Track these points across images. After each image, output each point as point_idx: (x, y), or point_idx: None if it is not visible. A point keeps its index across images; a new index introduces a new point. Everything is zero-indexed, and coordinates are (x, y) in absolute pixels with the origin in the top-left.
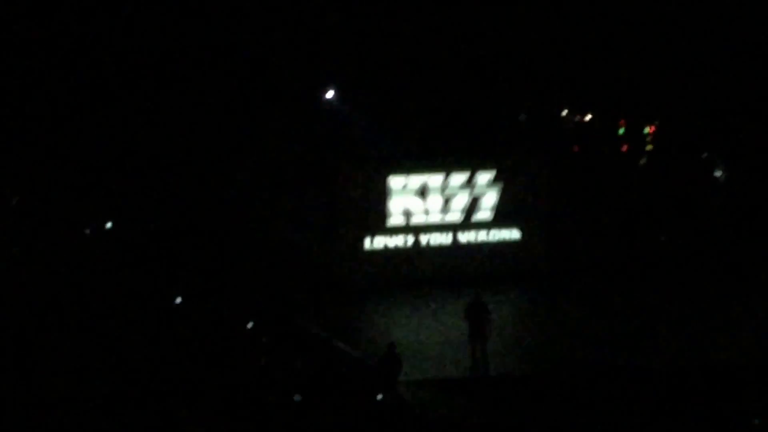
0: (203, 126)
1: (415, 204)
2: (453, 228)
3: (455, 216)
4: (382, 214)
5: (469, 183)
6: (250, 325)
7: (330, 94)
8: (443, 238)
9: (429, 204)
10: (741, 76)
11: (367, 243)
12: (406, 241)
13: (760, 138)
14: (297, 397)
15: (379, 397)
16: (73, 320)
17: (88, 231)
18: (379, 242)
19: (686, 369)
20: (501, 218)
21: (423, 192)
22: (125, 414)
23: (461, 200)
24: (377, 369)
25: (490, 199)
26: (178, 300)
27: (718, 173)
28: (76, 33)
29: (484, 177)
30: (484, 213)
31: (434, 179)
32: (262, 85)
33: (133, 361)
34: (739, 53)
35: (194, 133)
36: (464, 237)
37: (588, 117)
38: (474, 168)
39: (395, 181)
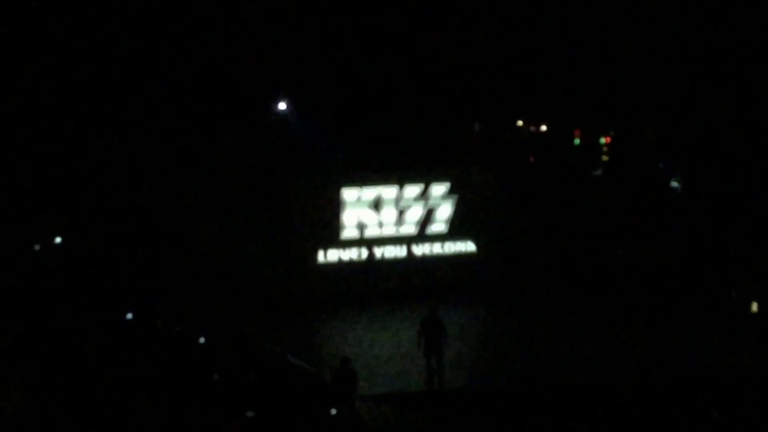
0: (153, 139)
1: (369, 216)
2: (408, 240)
3: (410, 228)
4: (336, 226)
5: (424, 195)
6: (201, 340)
7: (282, 106)
8: (398, 251)
9: (383, 216)
10: (696, 85)
11: (321, 256)
12: (360, 254)
13: (716, 147)
14: (250, 414)
15: (333, 412)
16: (22, 334)
17: (37, 247)
18: (333, 255)
19: (640, 382)
20: (456, 230)
21: (377, 204)
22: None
23: (416, 212)
24: (332, 384)
25: (445, 212)
26: (129, 316)
27: (674, 183)
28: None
29: (438, 189)
30: (439, 225)
31: (388, 191)
32: (213, 98)
33: (82, 378)
34: (691, 62)
35: (144, 146)
36: (419, 250)
37: (543, 128)
38: (428, 180)
39: (349, 194)
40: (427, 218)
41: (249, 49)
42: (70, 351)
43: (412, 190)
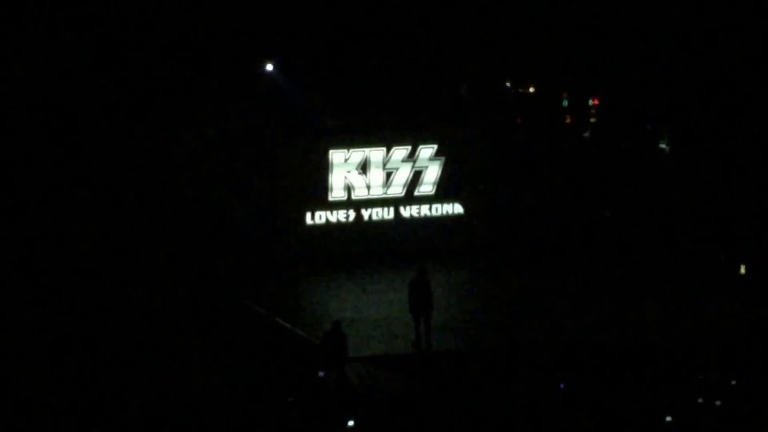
0: (139, 100)
1: (356, 178)
2: (395, 202)
3: (397, 190)
4: (324, 188)
5: (411, 157)
6: (190, 304)
7: (269, 67)
8: (385, 213)
9: (371, 178)
10: (683, 47)
11: (309, 218)
12: (348, 216)
13: (705, 109)
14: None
15: (321, 374)
16: None
17: None
18: (321, 217)
19: (625, 345)
20: (444, 192)
21: (365, 166)
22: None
23: (403, 175)
24: (322, 347)
25: (432, 174)
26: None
27: (663, 145)
28: None
29: (426, 151)
30: (426, 187)
31: (376, 153)
32: (201, 59)
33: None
34: (679, 22)
35: (130, 109)
36: (407, 212)
37: (531, 89)
38: (416, 142)
39: (336, 156)
40: (415, 180)
41: (236, 10)
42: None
43: (400, 152)
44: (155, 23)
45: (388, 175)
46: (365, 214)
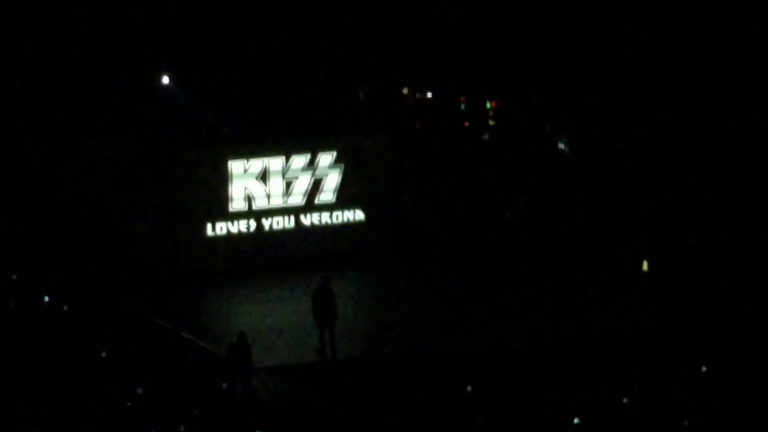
0: (32, 116)
1: (256, 188)
2: (296, 211)
3: (298, 199)
4: (224, 199)
5: (311, 165)
6: (90, 319)
7: (165, 80)
8: (286, 222)
9: (271, 188)
10: (579, 44)
11: (209, 229)
12: (249, 226)
13: (599, 107)
14: (140, 390)
15: (224, 385)
16: None
17: None
18: (222, 228)
19: (529, 347)
20: (344, 200)
21: (264, 176)
22: None
23: (303, 183)
24: (228, 358)
25: (332, 181)
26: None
27: (561, 145)
28: None
29: (325, 158)
30: (327, 195)
31: (275, 162)
32: (97, 72)
33: None
34: (573, 20)
35: (23, 125)
36: (308, 220)
37: (429, 94)
38: (315, 150)
39: (235, 166)
40: (315, 188)
41: (130, 23)
42: None
43: (299, 160)
44: (51, 34)
45: (288, 184)
46: (266, 223)
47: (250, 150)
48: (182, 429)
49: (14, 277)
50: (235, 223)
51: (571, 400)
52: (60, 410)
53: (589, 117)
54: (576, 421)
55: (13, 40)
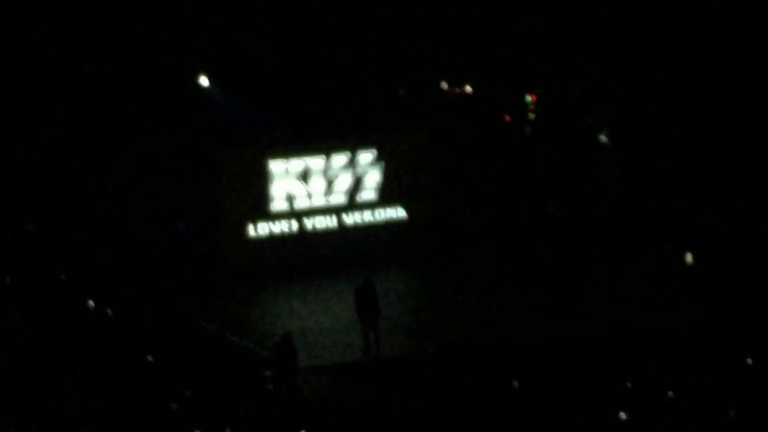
0: (77, 119)
1: (297, 188)
2: (338, 210)
3: (339, 198)
4: (265, 199)
5: (351, 163)
6: (134, 322)
7: (205, 81)
8: (328, 221)
9: (312, 187)
10: (619, 37)
11: (251, 230)
12: (290, 227)
13: (642, 99)
14: (188, 393)
15: (269, 386)
16: None
17: None
18: (263, 229)
19: (575, 341)
20: (386, 197)
21: (305, 175)
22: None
23: (344, 181)
24: (272, 360)
25: (373, 179)
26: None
27: (602, 138)
28: None
29: (365, 156)
30: (368, 193)
31: (315, 162)
32: (136, 74)
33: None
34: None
35: (68, 128)
36: (350, 219)
37: (468, 88)
38: (355, 148)
39: (276, 166)
40: (356, 186)
41: (168, 23)
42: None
43: (339, 159)
44: (96, 35)
45: (329, 182)
46: (308, 223)
47: (290, 150)
48: (228, 431)
49: (63, 277)
50: (277, 223)
51: (616, 395)
52: (106, 414)
53: (630, 109)
54: (622, 416)
55: (58, 42)
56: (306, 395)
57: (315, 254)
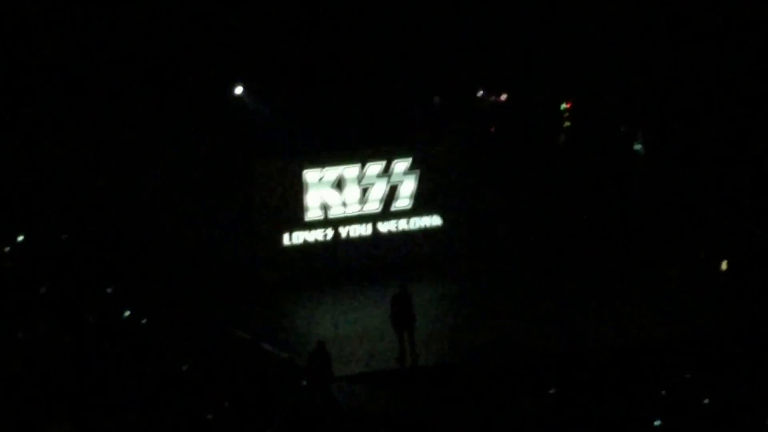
0: (112, 128)
1: (332, 197)
2: (373, 218)
3: (374, 206)
4: (300, 208)
5: (386, 172)
6: (169, 331)
7: (239, 90)
8: (363, 230)
9: (347, 196)
10: (654, 46)
11: (286, 239)
12: (325, 235)
13: (676, 107)
14: (226, 404)
15: (305, 395)
16: None
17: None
18: (298, 237)
19: (611, 348)
20: (421, 205)
21: (340, 184)
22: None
23: (379, 190)
24: (306, 368)
25: (408, 187)
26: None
27: (637, 146)
28: None
29: (401, 165)
30: (403, 201)
31: (350, 170)
32: (171, 84)
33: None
34: (648, 22)
35: (103, 136)
36: (384, 227)
37: (503, 97)
38: (390, 156)
39: (311, 175)
40: (391, 195)
41: (204, 33)
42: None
43: (374, 167)
44: (131, 44)
45: (364, 191)
46: (343, 231)
47: (325, 158)
48: None
49: (109, 290)
50: (312, 231)
51: (651, 401)
52: (143, 424)
53: (665, 117)
54: (657, 423)
55: (93, 52)
56: (340, 403)
57: (349, 262)
